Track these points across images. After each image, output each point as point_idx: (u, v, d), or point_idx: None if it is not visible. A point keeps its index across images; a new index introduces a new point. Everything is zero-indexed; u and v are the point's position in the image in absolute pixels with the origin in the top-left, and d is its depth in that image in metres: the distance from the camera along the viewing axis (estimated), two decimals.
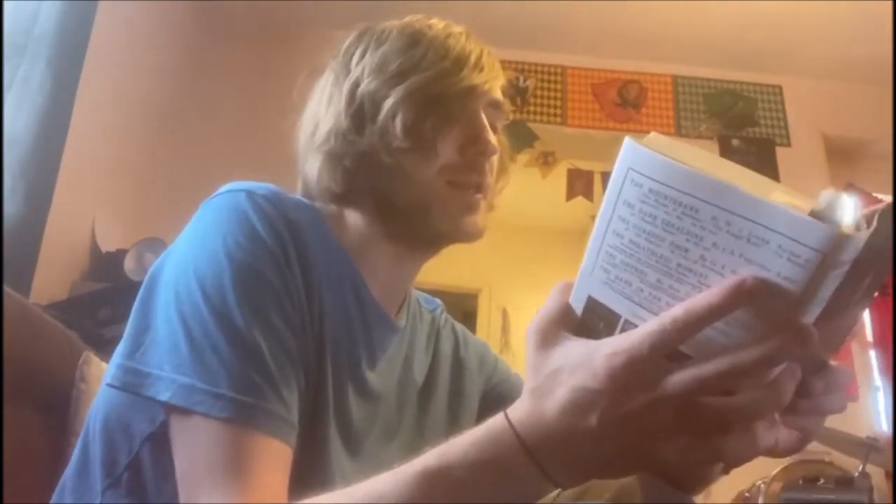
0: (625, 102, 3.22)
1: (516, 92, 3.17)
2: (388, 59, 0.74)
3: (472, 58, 0.75)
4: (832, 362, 0.47)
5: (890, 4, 2.55)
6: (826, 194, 0.36)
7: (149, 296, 0.63)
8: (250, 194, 0.64)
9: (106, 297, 1.94)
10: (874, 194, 2.98)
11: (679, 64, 3.26)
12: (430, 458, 0.48)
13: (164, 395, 0.56)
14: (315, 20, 2.88)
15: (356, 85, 0.74)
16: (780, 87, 3.27)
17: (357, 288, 0.72)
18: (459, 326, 0.94)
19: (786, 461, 2.21)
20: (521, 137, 3.06)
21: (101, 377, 0.66)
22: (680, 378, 0.40)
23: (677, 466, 0.45)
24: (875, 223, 0.36)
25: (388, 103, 0.71)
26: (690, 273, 0.40)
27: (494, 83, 0.77)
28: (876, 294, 0.45)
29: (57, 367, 0.90)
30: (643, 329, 0.41)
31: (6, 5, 1.70)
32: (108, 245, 2.31)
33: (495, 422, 0.47)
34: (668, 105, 3.22)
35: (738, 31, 3.01)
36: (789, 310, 0.37)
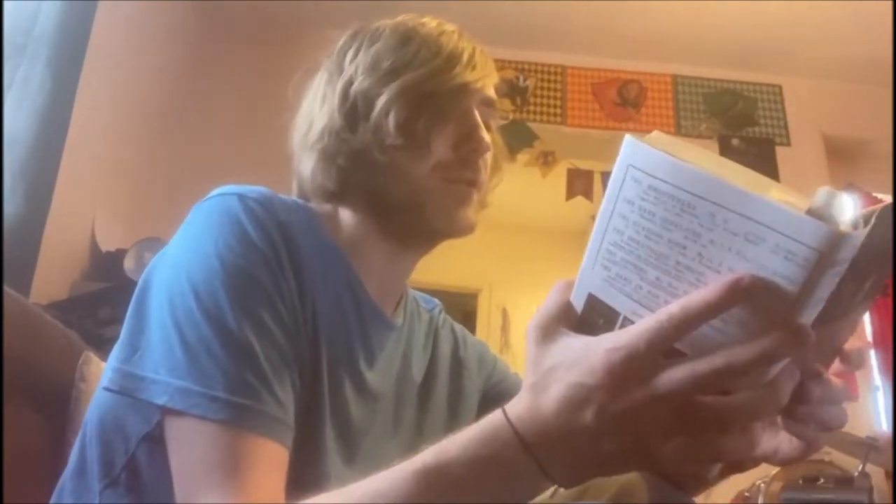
0: (625, 102, 3.22)
1: (516, 92, 3.17)
2: (381, 57, 0.75)
3: (465, 56, 0.75)
4: (835, 379, 0.47)
5: (890, 4, 2.55)
6: (822, 192, 0.35)
7: (142, 300, 0.64)
8: (241, 198, 0.64)
9: (106, 297, 1.94)
10: (874, 194, 2.98)
11: (679, 64, 3.26)
12: (427, 455, 0.48)
13: (161, 399, 0.57)
14: (315, 20, 2.88)
15: (349, 83, 0.75)
16: (780, 87, 3.27)
17: (353, 287, 0.72)
18: (458, 326, 0.94)
19: None
20: (520, 137, 3.05)
21: (100, 377, 0.67)
22: (675, 374, 0.40)
23: (675, 466, 0.45)
24: (872, 221, 0.36)
25: (381, 101, 0.72)
26: (688, 270, 0.40)
27: (487, 81, 0.77)
28: (876, 296, 0.45)
29: (57, 367, 0.90)
30: (640, 325, 0.41)
31: (6, 5, 1.70)
32: (108, 245, 2.31)
33: (493, 418, 0.47)
34: (667, 105, 3.22)
35: (738, 31, 3.01)
36: (786, 308, 0.37)
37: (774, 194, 0.37)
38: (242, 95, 2.97)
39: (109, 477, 0.63)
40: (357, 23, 0.81)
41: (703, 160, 0.40)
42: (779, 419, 0.48)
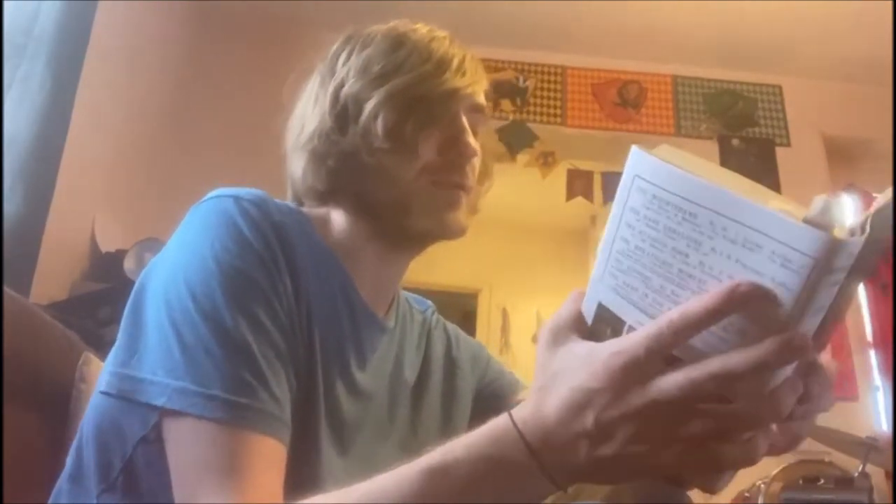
0: (625, 102, 3.22)
1: (516, 92, 3.17)
2: (372, 61, 0.76)
3: (455, 62, 0.76)
4: (826, 360, 0.47)
5: (890, 4, 2.55)
6: (819, 200, 0.36)
7: (139, 303, 0.64)
8: (237, 199, 0.65)
9: (106, 297, 1.94)
10: (874, 195, 2.97)
11: (679, 64, 3.26)
12: (433, 456, 0.48)
13: (160, 401, 0.57)
14: (314, 20, 2.89)
15: (340, 86, 0.76)
16: (780, 87, 3.27)
17: (345, 288, 0.73)
18: (452, 326, 0.94)
19: (786, 461, 2.21)
20: (520, 137, 3.06)
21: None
22: (672, 379, 0.40)
23: (676, 473, 0.46)
24: (868, 229, 0.36)
25: (370, 104, 0.73)
26: (691, 278, 0.41)
27: (477, 87, 0.78)
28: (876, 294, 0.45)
29: (57, 367, 0.90)
30: (641, 331, 0.41)
31: (6, 5, 1.71)
32: (107, 245, 2.32)
33: (499, 420, 0.48)
34: (667, 105, 3.23)
35: (738, 31, 3.01)
36: (784, 316, 0.37)
37: (773, 204, 0.38)
38: (242, 96, 2.97)
39: (107, 481, 0.64)
40: (351, 26, 0.82)
41: (707, 171, 0.40)
42: None
